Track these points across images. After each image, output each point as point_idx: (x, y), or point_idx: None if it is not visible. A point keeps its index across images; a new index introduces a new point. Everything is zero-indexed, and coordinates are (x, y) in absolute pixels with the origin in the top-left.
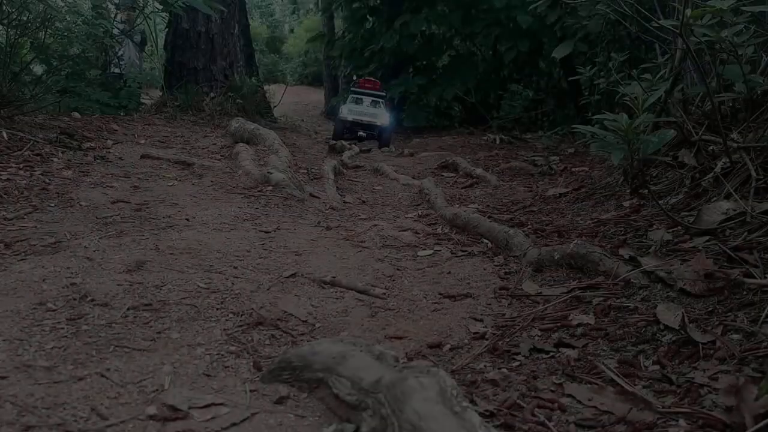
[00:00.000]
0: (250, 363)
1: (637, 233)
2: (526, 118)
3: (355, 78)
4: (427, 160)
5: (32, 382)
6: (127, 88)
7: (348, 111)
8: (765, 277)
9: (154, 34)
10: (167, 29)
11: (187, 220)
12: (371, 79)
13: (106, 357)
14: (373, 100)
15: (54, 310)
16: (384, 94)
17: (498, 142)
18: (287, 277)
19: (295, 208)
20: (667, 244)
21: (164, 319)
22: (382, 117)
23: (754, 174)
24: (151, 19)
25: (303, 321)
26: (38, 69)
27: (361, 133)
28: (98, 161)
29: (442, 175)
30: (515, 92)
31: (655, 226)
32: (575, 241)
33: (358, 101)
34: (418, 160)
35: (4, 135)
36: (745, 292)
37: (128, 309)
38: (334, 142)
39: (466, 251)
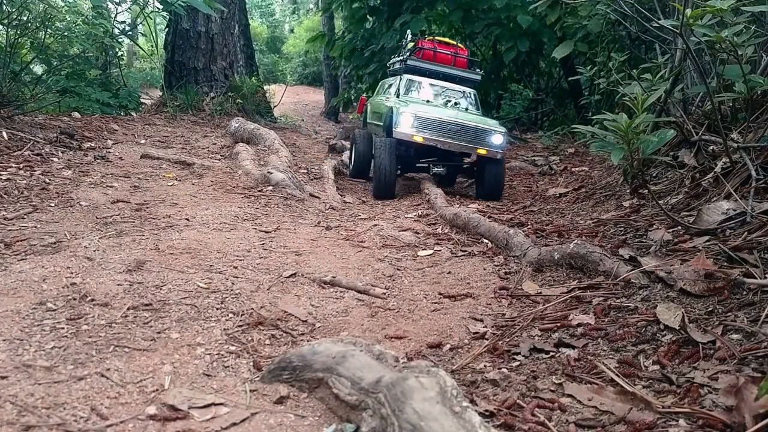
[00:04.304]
0: (250, 363)
1: (637, 233)
2: (526, 118)
3: (410, 37)
4: None
5: (32, 382)
6: (127, 89)
7: (413, 119)
8: (765, 277)
9: (154, 34)
10: (167, 29)
11: (187, 220)
12: (446, 40)
13: (106, 357)
14: (462, 92)
15: (54, 310)
16: (478, 74)
17: None
18: (287, 277)
19: (295, 208)
20: (667, 244)
21: (164, 319)
22: (495, 132)
23: (754, 174)
24: (151, 18)
25: (303, 321)
26: (38, 69)
27: (437, 170)
28: (98, 161)
29: None
30: (515, 92)
31: (655, 226)
32: (575, 241)
33: (432, 92)
34: None
35: (4, 135)
36: (745, 292)
37: (128, 309)
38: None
39: (466, 251)
